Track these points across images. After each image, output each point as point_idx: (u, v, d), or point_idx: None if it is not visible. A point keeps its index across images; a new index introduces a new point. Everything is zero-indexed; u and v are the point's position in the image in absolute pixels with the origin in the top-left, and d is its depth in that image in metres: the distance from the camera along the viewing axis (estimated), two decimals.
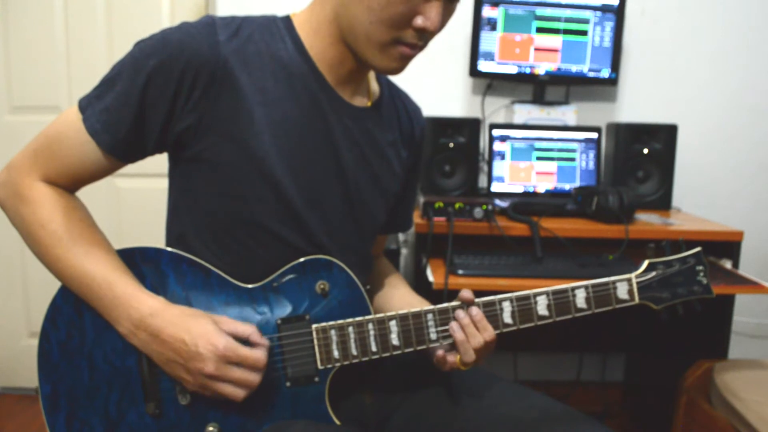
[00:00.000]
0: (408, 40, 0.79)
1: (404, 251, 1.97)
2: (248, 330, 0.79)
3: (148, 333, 0.77)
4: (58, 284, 0.83)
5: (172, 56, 0.77)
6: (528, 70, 1.88)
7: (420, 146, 1.06)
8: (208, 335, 0.75)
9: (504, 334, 0.86)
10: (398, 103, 1.00)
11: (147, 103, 0.78)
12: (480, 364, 0.87)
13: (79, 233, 0.81)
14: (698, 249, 0.89)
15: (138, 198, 2.02)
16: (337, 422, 0.85)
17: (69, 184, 0.84)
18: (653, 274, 0.88)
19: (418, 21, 0.77)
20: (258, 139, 0.81)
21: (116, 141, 0.80)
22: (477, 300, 0.85)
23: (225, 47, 0.79)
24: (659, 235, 1.53)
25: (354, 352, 0.84)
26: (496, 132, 1.84)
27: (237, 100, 0.80)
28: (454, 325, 0.84)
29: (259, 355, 0.76)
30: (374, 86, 0.96)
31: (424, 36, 0.80)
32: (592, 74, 1.89)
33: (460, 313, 0.84)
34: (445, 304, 0.86)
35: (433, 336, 0.85)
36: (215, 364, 0.74)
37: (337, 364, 0.84)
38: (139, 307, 0.78)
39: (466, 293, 0.85)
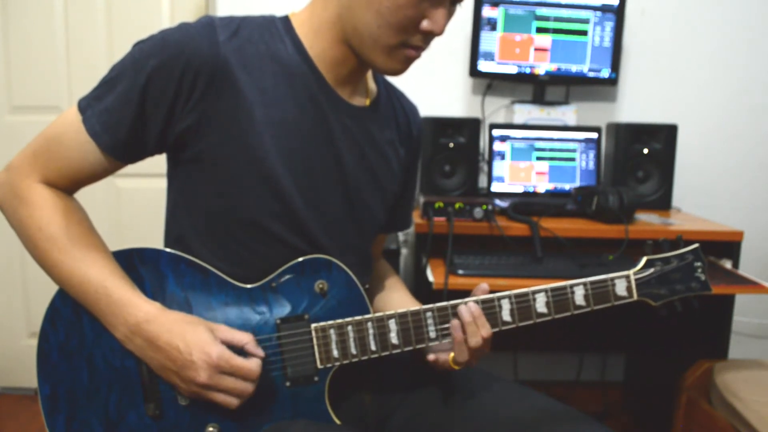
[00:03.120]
0: (415, 43, 0.80)
1: (404, 251, 1.97)
2: (244, 339, 0.78)
3: (144, 339, 0.77)
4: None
5: (172, 57, 0.77)
6: (528, 70, 1.88)
7: (417, 144, 1.06)
8: (202, 344, 0.75)
9: (504, 333, 0.86)
10: (395, 101, 1.00)
11: (147, 103, 0.78)
12: (472, 365, 0.87)
13: (77, 236, 0.81)
14: (696, 245, 0.89)
15: (138, 198, 2.02)
16: (338, 422, 0.85)
17: (68, 185, 0.84)
18: (651, 270, 0.87)
19: (425, 24, 0.78)
20: (258, 139, 0.81)
21: (116, 142, 0.80)
22: (475, 298, 0.85)
23: (225, 47, 0.79)
24: (659, 235, 1.52)
25: (353, 351, 0.84)
26: (496, 132, 1.84)
27: (237, 101, 0.80)
28: (455, 323, 0.83)
29: (251, 366, 0.76)
30: (372, 85, 0.96)
31: (429, 38, 0.81)
32: (592, 74, 1.89)
33: (464, 311, 0.84)
34: (444, 303, 0.85)
35: (433, 334, 0.85)
36: (207, 373, 0.74)
37: (337, 364, 0.84)
38: (136, 312, 0.77)
39: (484, 286, 0.85)
